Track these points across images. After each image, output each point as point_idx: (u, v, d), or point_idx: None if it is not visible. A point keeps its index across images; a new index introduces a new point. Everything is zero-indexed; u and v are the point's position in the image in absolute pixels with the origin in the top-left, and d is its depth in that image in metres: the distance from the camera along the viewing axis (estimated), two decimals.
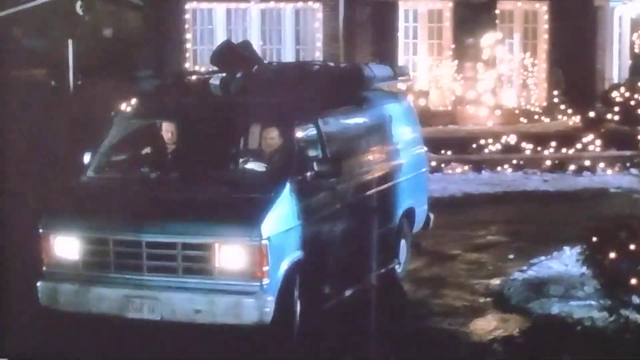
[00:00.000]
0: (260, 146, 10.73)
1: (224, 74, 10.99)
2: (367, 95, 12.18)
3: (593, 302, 11.14)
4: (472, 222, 16.14)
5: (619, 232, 11.35)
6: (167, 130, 10.98)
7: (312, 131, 10.68)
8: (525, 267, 12.91)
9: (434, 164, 20.88)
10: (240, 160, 10.52)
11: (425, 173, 13.59)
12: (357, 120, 11.76)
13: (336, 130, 11.02)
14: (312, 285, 10.17)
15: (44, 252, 10.00)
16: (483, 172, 20.66)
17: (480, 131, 22.47)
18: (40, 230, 10.02)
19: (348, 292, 10.97)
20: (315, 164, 10.18)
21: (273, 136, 10.56)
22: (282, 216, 9.69)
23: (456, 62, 23.83)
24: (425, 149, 13.64)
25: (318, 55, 22.88)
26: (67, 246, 9.86)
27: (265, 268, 9.37)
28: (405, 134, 12.88)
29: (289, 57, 23.27)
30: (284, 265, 9.61)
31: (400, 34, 24.11)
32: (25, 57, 22.60)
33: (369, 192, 11.48)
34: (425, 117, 23.27)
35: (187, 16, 23.45)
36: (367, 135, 11.81)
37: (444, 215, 16.63)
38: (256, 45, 23.37)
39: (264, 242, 9.36)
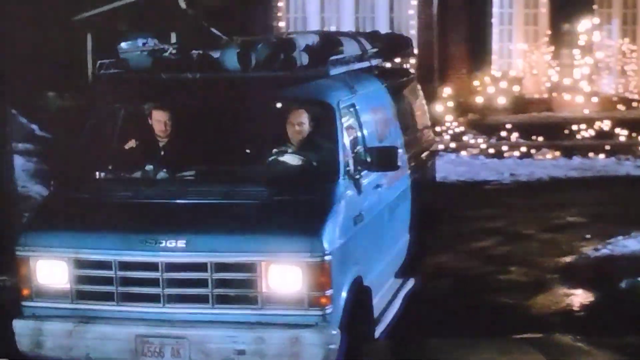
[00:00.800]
0: (286, 134, 8.31)
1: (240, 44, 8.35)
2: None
3: None
4: (553, 205, 15.75)
5: None
6: (160, 120, 8.48)
7: (356, 111, 8.60)
8: (600, 246, 12.64)
9: (524, 149, 20.70)
10: (274, 151, 8.24)
11: None
12: (397, 95, 10.24)
13: (383, 109, 9.50)
14: (368, 309, 8.27)
15: (23, 280, 7.62)
16: (574, 158, 20.24)
17: (573, 117, 22.04)
18: (19, 252, 7.61)
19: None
20: (367, 155, 8.20)
21: (302, 120, 8.22)
22: (339, 223, 7.58)
23: (552, 48, 23.39)
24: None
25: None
26: (54, 272, 7.55)
27: (329, 292, 7.26)
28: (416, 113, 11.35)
29: None
30: (345, 287, 7.55)
31: (495, 20, 23.76)
32: None
33: (415, 179, 10.08)
34: (520, 104, 23.16)
35: (281, 4, 23.53)
36: (402, 114, 10.26)
37: (525, 199, 16.46)
38: None
39: (327, 257, 7.22)
